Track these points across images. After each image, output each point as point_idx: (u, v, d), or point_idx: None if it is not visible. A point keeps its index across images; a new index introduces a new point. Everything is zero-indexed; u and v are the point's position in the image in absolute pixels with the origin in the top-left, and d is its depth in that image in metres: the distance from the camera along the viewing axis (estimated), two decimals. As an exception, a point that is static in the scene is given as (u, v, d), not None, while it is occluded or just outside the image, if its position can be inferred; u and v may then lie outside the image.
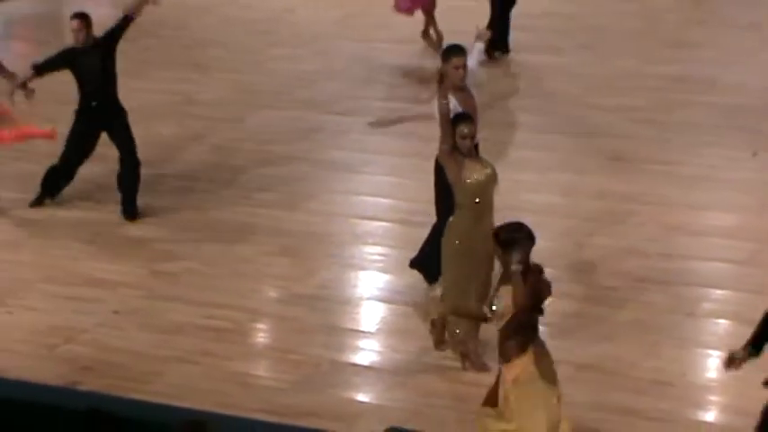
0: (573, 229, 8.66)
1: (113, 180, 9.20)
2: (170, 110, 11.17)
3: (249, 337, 7.60)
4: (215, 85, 11.88)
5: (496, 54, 12.30)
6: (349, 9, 13.95)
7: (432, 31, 12.41)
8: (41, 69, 8.85)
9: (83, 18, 8.83)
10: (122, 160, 8.97)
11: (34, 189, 9.19)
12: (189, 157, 10.09)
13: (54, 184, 9.15)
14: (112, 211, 9.05)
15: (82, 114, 8.88)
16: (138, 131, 9.38)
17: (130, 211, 8.92)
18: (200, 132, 10.62)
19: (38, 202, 9.15)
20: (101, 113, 8.86)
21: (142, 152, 9.37)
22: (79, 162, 9.08)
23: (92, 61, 8.79)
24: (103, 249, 8.52)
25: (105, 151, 9.31)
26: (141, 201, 9.09)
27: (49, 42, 11.04)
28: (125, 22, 8.92)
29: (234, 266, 8.26)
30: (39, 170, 9.21)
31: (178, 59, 12.67)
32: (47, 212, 9.11)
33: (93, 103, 8.81)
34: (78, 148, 8.96)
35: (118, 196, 9.09)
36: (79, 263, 8.32)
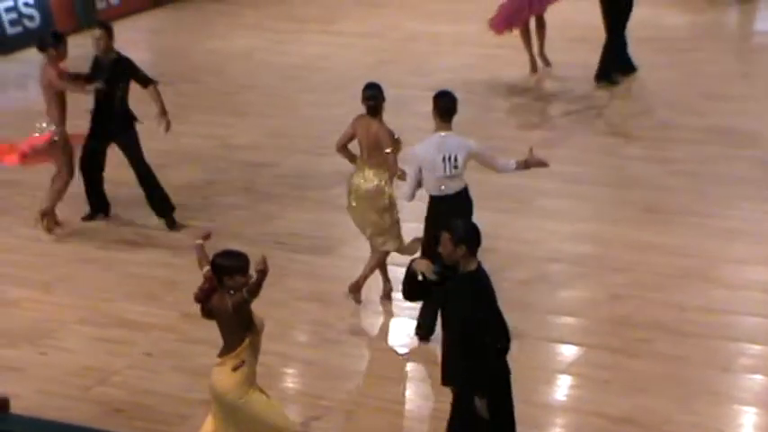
0: (607, 281, 8.63)
1: (148, 223, 9.29)
2: (206, 154, 11.29)
3: (279, 382, 7.61)
4: (250, 129, 12.00)
5: (617, 78, 12.52)
6: (383, 55, 14.07)
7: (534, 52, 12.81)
8: (90, 79, 9.37)
9: (103, 28, 9.42)
10: (137, 174, 9.36)
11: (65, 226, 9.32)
12: (223, 201, 10.17)
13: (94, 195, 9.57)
14: (145, 252, 9.14)
15: (94, 118, 9.40)
16: (173, 175, 9.52)
17: (168, 222, 9.40)
18: (234, 176, 10.71)
19: (89, 218, 9.66)
20: (107, 122, 9.31)
21: (176, 195, 9.47)
22: (94, 170, 9.43)
23: (104, 70, 9.27)
24: (137, 290, 8.59)
25: (139, 194, 9.42)
26: (174, 241, 9.18)
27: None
28: (148, 80, 9.33)
29: (265, 310, 8.19)
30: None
31: (215, 104, 12.82)
32: (80, 253, 9.20)
33: (101, 110, 9.34)
34: (91, 153, 9.39)
35: (152, 238, 9.19)
36: (113, 304, 8.38)
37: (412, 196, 7.80)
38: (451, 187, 7.74)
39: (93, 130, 9.42)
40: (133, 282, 8.75)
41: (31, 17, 15.52)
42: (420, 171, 7.70)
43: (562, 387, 7.51)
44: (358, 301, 8.38)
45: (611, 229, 9.47)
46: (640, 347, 7.74)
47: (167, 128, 9.33)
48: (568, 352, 7.84)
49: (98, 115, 9.38)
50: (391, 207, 8.20)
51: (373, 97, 8.11)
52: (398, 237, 8.28)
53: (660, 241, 9.22)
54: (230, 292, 6.20)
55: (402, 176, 8.01)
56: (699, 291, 8.46)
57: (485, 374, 5.86)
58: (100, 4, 16.47)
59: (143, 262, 9.03)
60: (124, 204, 9.88)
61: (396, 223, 8.26)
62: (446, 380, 6.17)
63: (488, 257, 8.83)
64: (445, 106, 7.72)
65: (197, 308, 8.24)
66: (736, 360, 7.65)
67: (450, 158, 7.65)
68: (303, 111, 12.51)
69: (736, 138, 11.29)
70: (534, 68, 13.17)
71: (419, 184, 7.78)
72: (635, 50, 13.15)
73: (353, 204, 8.25)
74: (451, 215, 7.31)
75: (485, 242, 8.85)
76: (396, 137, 8.10)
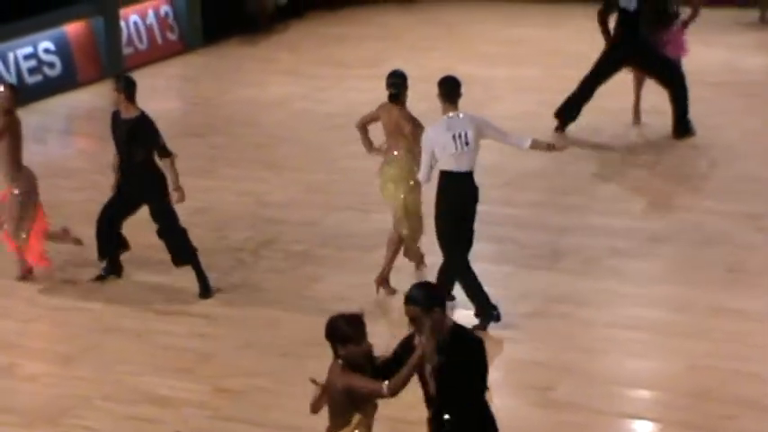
0: (685, 350, 8.55)
1: (178, 288, 9.35)
2: (240, 211, 11.38)
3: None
4: (287, 185, 12.10)
5: (693, 128, 12.75)
6: (434, 102, 14.06)
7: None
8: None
9: (117, 80, 9.46)
10: (161, 236, 9.45)
11: (82, 295, 9.40)
12: (258, 263, 10.22)
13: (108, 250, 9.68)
14: (176, 320, 9.19)
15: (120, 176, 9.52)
16: (204, 235, 9.58)
17: (202, 290, 9.49)
18: (271, 236, 10.78)
19: (101, 279, 9.78)
20: (129, 183, 9.40)
21: (209, 258, 9.53)
22: (112, 223, 9.55)
23: (122, 129, 9.32)
24: (166, 363, 8.61)
25: (166, 259, 9.50)
26: (208, 309, 9.24)
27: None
28: (165, 152, 9.37)
29: (305, 384, 8.23)
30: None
31: (248, 158, 12.95)
32: (104, 322, 9.26)
33: (123, 170, 9.43)
34: (112, 208, 9.53)
35: (183, 305, 9.25)
36: (140, 378, 8.41)
37: (428, 178, 8.87)
38: (464, 164, 8.79)
39: (119, 187, 9.53)
40: (163, 353, 8.79)
41: (51, 65, 15.80)
42: (433, 153, 8.76)
43: (637, 469, 7.43)
44: (391, 292, 9.36)
45: (690, 292, 9.40)
46: (724, 425, 7.64)
47: (180, 199, 9.46)
48: (643, 429, 7.75)
49: (121, 174, 9.48)
50: (416, 188, 9.30)
51: (395, 85, 9.36)
52: (414, 227, 9.44)
53: (744, 306, 9.13)
54: (340, 361, 5.93)
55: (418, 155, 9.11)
56: (788, 361, 8.36)
57: None
58: (126, 50, 16.76)
59: (173, 332, 9.08)
60: (152, 268, 9.96)
61: (417, 211, 9.40)
62: None
63: (553, 323, 8.85)
64: (448, 90, 8.87)
65: (232, 382, 8.31)
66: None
67: (460, 136, 8.73)
68: (344, 164, 12.59)
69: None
70: (638, 119, 13.36)
71: (434, 166, 8.86)
72: (711, 95, 13.13)
73: (385, 188, 9.47)
74: (461, 193, 8.75)
75: (548, 307, 8.84)
76: (417, 122, 9.25)
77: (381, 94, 14.03)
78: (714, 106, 13.69)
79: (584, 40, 14.50)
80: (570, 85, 13.29)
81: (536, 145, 9.14)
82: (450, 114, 8.84)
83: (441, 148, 8.77)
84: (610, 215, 11.07)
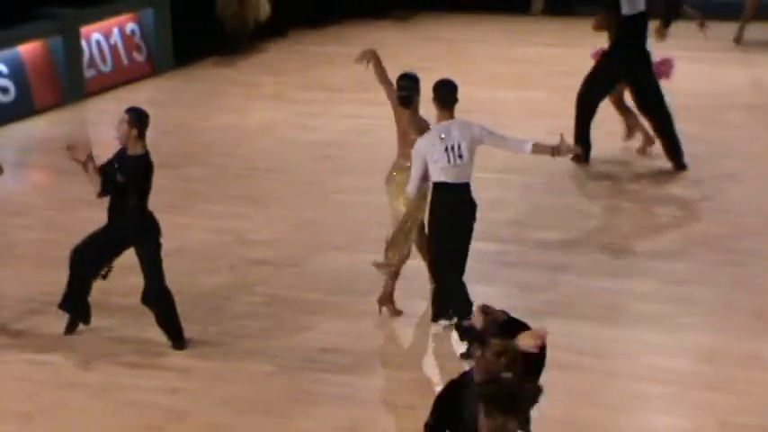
0: (715, 405, 8.59)
1: (149, 339, 9.38)
2: (218, 252, 11.43)
3: None
4: (271, 222, 12.16)
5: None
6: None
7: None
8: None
9: (130, 113, 9.34)
10: (146, 287, 9.43)
11: (41, 347, 9.41)
12: (239, 310, 10.27)
13: (77, 301, 9.62)
14: (146, 375, 9.21)
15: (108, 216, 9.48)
16: (177, 278, 9.62)
17: (175, 342, 9.53)
18: (253, 280, 10.82)
19: (70, 330, 9.73)
20: (119, 223, 9.36)
21: (183, 304, 9.58)
22: (91, 272, 9.51)
23: (123, 166, 9.28)
24: (134, 422, 8.58)
25: (138, 304, 9.54)
26: (182, 361, 9.27)
27: (70, 172, 11.37)
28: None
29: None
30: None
31: (228, 192, 13.02)
32: (67, 376, 9.27)
33: (113, 207, 9.39)
34: (94, 252, 9.46)
35: (154, 358, 9.29)
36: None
37: (416, 190, 9.26)
38: (458, 177, 9.10)
39: (106, 225, 9.49)
40: (130, 411, 8.81)
41: (4, 89, 15.88)
42: (425, 164, 9.10)
43: None
44: (396, 312, 9.87)
45: (721, 341, 9.46)
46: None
47: None
48: (671, 495, 7.80)
49: (111, 212, 9.46)
50: (424, 202, 9.55)
51: (405, 88, 9.71)
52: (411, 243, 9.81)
53: (780, 355, 9.21)
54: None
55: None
56: (831, 417, 8.40)
57: None
58: (88, 73, 16.85)
59: (142, 386, 9.10)
60: (121, 317, 9.99)
61: (415, 222, 9.68)
62: None
63: (573, 376, 8.89)
64: (444, 95, 9.23)
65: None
66: None
67: (453, 148, 9.04)
68: (335, 198, 12.67)
69: None
70: (650, 141, 13.52)
71: (425, 178, 9.21)
72: (743, 120, 13.23)
73: (396, 200, 9.77)
74: (455, 206, 9.02)
75: (565, 357, 8.89)
76: (427, 127, 9.50)
77: (376, 120, 14.14)
78: (747, 132, 13.80)
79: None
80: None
81: (538, 149, 9.45)
82: (445, 123, 9.19)
83: (432, 161, 9.10)
84: (631, 255, 11.14)
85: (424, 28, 20.07)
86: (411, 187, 9.34)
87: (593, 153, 13.35)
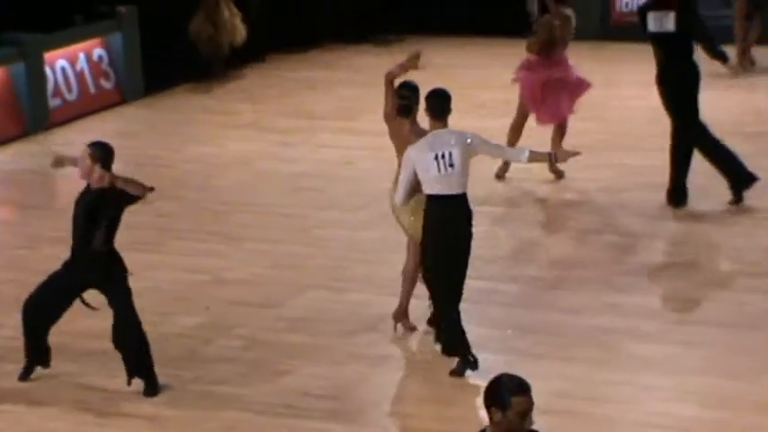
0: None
1: (115, 387, 9.38)
2: (192, 292, 11.44)
3: None
4: (249, 259, 12.18)
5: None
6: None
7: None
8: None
9: (93, 147, 9.35)
10: (116, 324, 9.40)
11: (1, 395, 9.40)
12: (215, 354, 10.27)
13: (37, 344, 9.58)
14: (114, 425, 9.19)
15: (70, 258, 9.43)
16: (149, 320, 9.61)
17: (147, 388, 9.47)
18: (229, 321, 10.83)
19: (26, 374, 9.68)
20: (81, 264, 9.34)
21: (155, 347, 9.57)
22: (50, 322, 9.49)
23: (83, 201, 9.30)
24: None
25: (105, 349, 9.54)
26: (154, 410, 9.26)
27: (38, 206, 11.39)
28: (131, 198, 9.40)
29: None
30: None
31: (203, 228, 13.05)
32: (30, 426, 9.25)
33: (76, 250, 9.35)
34: (51, 301, 9.43)
35: (122, 405, 9.27)
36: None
37: (405, 201, 9.49)
38: (452, 187, 9.21)
39: (67, 265, 9.45)
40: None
41: (-38, 120, 15.89)
42: (414, 172, 9.27)
43: None
44: (411, 328, 10.24)
45: (728, 385, 9.46)
46: None
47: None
48: None
49: (74, 252, 9.43)
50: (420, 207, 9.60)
51: (405, 98, 10.03)
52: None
53: (791, 399, 9.22)
54: None
55: None
56: None
57: None
58: (53, 102, 16.88)
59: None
60: (86, 362, 9.97)
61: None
62: None
63: (566, 424, 8.88)
64: (437, 105, 9.42)
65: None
66: None
67: (443, 156, 9.17)
68: (316, 234, 12.70)
69: None
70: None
71: (416, 188, 9.36)
72: (750, 149, 13.26)
73: (404, 218, 10.00)
74: (449, 222, 9.12)
75: (559, 403, 8.91)
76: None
77: (358, 151, 14.18)
78: (754, 161, 13.82)
79: (598, 85, 14.66)
80: (588, 140, 13.40)
81: (535, 157, 9.64)
82: (435, 131, 9.37)
83: (423, 171, 9.24)
84: (631, 292, 11.15)
85: (409, 52, 20.02)
86: (399, 196, 9.52)
87: (599, 184, 13.37)
